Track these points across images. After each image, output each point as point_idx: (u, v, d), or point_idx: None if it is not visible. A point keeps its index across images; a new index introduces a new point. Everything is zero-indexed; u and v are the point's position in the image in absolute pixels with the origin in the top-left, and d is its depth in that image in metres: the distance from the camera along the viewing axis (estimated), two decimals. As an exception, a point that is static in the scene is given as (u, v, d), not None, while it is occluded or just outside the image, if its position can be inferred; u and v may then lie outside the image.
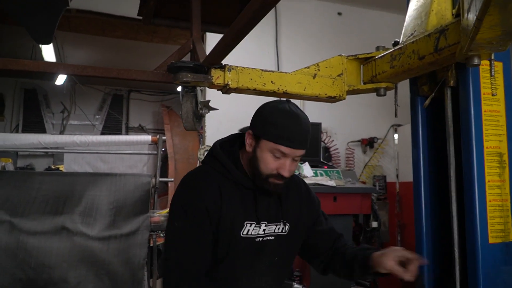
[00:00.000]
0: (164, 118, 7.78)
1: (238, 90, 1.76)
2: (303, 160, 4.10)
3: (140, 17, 2.34)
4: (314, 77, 1.86)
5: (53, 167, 6.87)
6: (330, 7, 4.99)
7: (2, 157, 6.34)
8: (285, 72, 1.82)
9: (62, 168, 6.11)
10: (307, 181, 3.76)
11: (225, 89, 1.75)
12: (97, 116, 8.07)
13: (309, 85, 1.84)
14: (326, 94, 1.87)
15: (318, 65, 1.88)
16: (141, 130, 8.16)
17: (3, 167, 5.00)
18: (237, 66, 1.74)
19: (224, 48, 1.53)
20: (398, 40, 1.85)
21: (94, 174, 3.42)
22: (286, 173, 1.40)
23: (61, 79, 6.87)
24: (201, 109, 1.93)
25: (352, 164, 4.73)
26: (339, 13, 5.08)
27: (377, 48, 1.90)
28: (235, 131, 4.48)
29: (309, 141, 1.45)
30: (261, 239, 1.46)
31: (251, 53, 4.37)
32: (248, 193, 1.47)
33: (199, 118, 1.98)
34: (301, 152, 1.41)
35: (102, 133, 7.79)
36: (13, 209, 3.02)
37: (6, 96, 7.55)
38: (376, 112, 4.81)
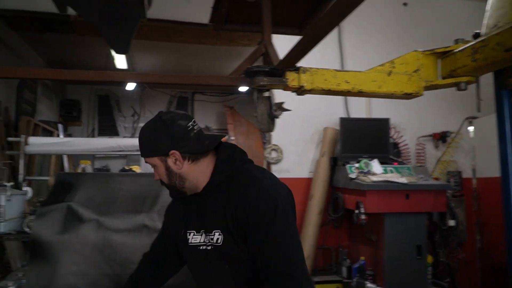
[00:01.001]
0: (228, 118, 7.94)
1: (312, 91, 1.78)
2: (371, 157, 4.03)
3: (211, 23, 2.42)
4: (389, 75, 1.83)
5: (126, 168, 7.25)
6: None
7: (82, 159, 6.83)
8: (359, 71, 1.81)
9: (135, 168, 6.44)
10: (375, 178, 3.73)
11: (300, 91, 1.78)
12: (165, 118, 8.39)
13: (384, 83, 1.82)
14: (402, 91, 1.84)
15: (393, 62, 1.85)
16: (206, 130, 8.41)
17: (83, 169, 5.35)
18: (311, 68, 1.75)
19: (301, 50, 1.55)
20: (478, 31, 1.77)
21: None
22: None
23: (132, 85, 7.23)
24: (275, 111, 1.97)
25: (423, 160, 4.56)
26: (405, 4, 4.90)
27: (456, 41, 1.84)
28: (300, 129, 4.50)
29: (142, 148, 1.49)
30: (201, 248, 1.50)
31: (312, 51, 4.34)
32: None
33: (273, 120, 2.02)
34: (147, 159, 1.49)
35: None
36: (98, 208, 3.24)
37: (82, 102, 8.10)
38: (447, 105, 4.59)
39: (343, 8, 1.13)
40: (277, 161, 4.39)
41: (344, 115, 4.50)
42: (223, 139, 1.55)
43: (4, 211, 3.00)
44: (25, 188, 3.31)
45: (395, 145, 4.45)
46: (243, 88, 8.41)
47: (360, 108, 4.58)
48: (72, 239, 2.96)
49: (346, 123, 4.24)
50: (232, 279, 1.44)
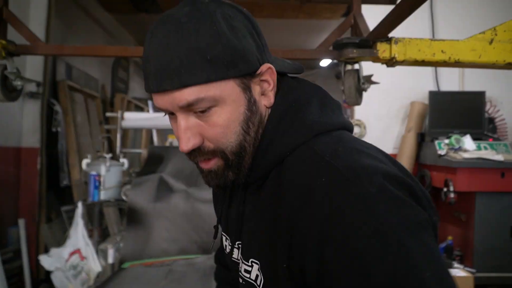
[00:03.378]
0: (308, 93, 7.89)
1: (405, 63, 1.71)
2: (463, 133, 3.79)
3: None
4: (490, 43, 1.70)
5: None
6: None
7: (169, 134, 7.23)
8: (457, 40, 1.70)
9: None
10: (467, 155, 3.51)
11: (391, 62, 1.72)
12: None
13: (485, 52, 1.69)
14: (505, 61, 1.70)
15: (495, 29, 1.71)
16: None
17: (170, 143, 5.69)
18: (403, 38, 1.69)
19: (394, 20, 1.50)
20: None
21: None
22: (180, 145, 0.73)
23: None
24: (363, 84, 1.93)
25: (524, 136, 4.19)
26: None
27: None
28: (385, 103, 4.35)
29: (176, 74, 0.66)
30: (239, 273, 0.82)
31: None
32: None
33: (360, 93, 1.99)
34: (175, 94, 0.68)
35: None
36: (187, 180, 3.43)
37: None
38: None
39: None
40: (360, 136, 4.29)
41: (433, 89, 4.25)
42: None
43: (103, 180, 3.29)
44: (122, 160, 3.59)
45: (491, 120, 4.13)
46: (325, 62, 8.25)
47: (452, 81, 4.30)
48: (164, 207, 3.19)
49: (436, 97, 4.01)
50: None
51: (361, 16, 1.94)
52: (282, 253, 0.67)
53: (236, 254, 0.84)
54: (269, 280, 0.72)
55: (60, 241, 3.61)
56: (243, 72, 0.70)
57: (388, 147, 4.31)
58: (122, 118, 3.77)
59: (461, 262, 3.56)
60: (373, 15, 2.15)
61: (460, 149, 3.64)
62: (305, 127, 0.72)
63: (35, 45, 1.90)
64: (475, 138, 3.78)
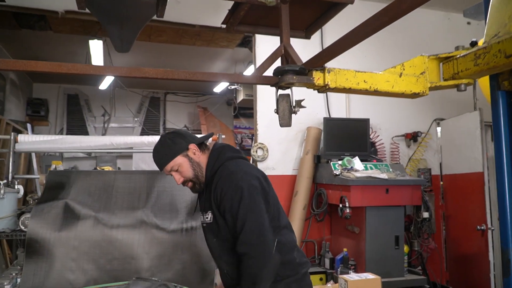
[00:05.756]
0: (201, 118, 8.03)
1: (335, 90, 1.96)
2: (352, 155, 4.28)
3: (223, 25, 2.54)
4: (400, 76, 2.05)
5: (98, 168, 7.14)
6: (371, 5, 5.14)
7: (53, 160, 6.67)
8: (375, 72, 2.01)
9: (107, 169, 6.38)
10: (359, 174, 3.98)
11: (323, 89, 1.95)
12: (136, 119, 8.36)
13: (396, 83, 2.03)
14: (411, 91, 2.06)
15: (403, 64, 2.07)
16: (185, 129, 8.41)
17: (54, 169, 5.28)
18: (334, 68, 1.93)
19: (331, 53, 1.73)
20: (475, 39, 2.02)
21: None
22: (178, 183, 2.06)
23: (106, 84, 7.15)
24: (294, 107, 2.13)
25: (397, 158, 4.88)
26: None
27: (457, 48, 2.09)
28: (285, 128, 4.66)
29: (162, 157, 2.00)
30: (204, 225, 2.08)
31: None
32: None
33: (291, 116, 2.18)
34: (170, 165, 1.99)
35: (142, 135, 8.07)
36: (95, 205, 3.24)
37: (50, 101, 7.88)
38: (418, 107, 4.95)
39: (376, 25, 1.31)
40: (263, 159, 4.56)
41: (325, 115, 4.74)
42: (213, 138, 2.43)
43: (-3, 210, 2.97)
44: (17, 186, 3.27)
45: (372, 144, 4.74)
46: (219, 89, 8.42)
47: (339, 109, 4.84)
48: (70, 236, 2.97)
49: (330, 122, 4.48)
50: (220, 247, 2.01)
51: (290, 46, 2.15)
52: (215, 203, 1.94)
53: (202, 218, 2.07)
54: (213, 218, 1.97)
55: None
56: (179, 153, 1.99)
57: (288, 168, 4.65)
58: (16, 141, 3.45)
59: (355, 270, 3.96)
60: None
61: (352, 169, 4.10)
62: (222, 159, 2.00)
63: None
64: (362, 160, 4.30)
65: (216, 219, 1.95)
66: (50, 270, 2.93)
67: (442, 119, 4.92)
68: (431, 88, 2.12)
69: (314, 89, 2.02)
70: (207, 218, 2.01)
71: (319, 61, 1.84)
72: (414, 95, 2.08)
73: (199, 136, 2.14)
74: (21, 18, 4.92)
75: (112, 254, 3.07)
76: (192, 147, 2.00)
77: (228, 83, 7.46)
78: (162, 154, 1.98)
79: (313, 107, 4.69)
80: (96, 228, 3.10)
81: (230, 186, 1.87)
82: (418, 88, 2.07)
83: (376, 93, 2.01)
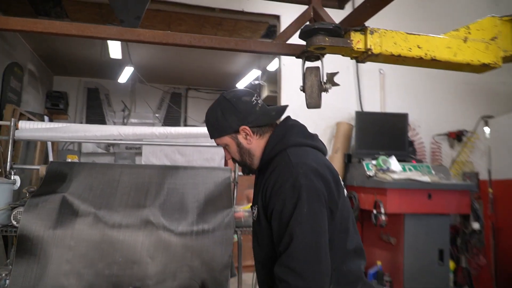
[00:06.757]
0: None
1: (380, 57, 1.50)
2: (388, 154, 3.78)
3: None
4: (465, 41, 1.57)
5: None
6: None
7: (69, 154, 6.43)
8: (433, 35, 1.54)
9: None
10: (396, 176, 3.46)
11: (364, 56, 1.50)
12: (157, 115, 8.08)
13: (460, 50, 1.56)
14: (479, 61, 1.58)
15: (468, 27, 1.59)
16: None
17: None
18: (379, 29, 1.48)
19: (375, 5, 1.27)
20: None
21: (174, 167, 3.24)
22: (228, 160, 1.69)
23: (124, 77, 6.88)
24: (325, 83, 1.68)
25: (439, 159, 4.34)
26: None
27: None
28: (312, 124, 4.24)
29: (211, 129, 1.57)
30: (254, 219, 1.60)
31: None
32: None
33: (321, 94, 1.74)
34: (218, 140, 1.58)
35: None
36: (96, 201, 2.91)
37: (70, 95, 7.69)
38: (462, 102, 4.41)
39: None
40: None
41: (357, 109, 4.25)
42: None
43: (-13, 202, 2.65)
44: (14, 177, 2.96)
45: (410, 142, 4.22)
46: (242, 85, 8.01)
47: (373, 103, 4.35)
48: (65, 234, 2.63)
49: (362, 117, 3.99)
50: (260, 251, 1.56)
51: (321, 7, 1.71)
52: (262, 198, 1.48)
53: (252, 209, 1.61)
54: (257, 216, 1.53)
55: None
56: (227, 133, 1.54)
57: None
58: (17, 127, 3.14)
59: (391, 287, 3.45)
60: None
61: (388, 170, 3.60)
62: (285, 143, 1.49)
63: None
64: (399, 160, 3.79)
65: (260, 219, 1.49)
66: (42, 273, 2.61)
67: (490, 117, 4.36)
68: (505, 59, 1.62)
69: (352, 58, 1.56)
70: (254, 213, 1.57)
71: (361, 15, 1.38)
72: (483, 67, 1.60)
73: (270, 109, 1.59)
74: (37, 3, 4.75)
75: (112, 257, 2.72)
76: (244, 130, 1.50)
77: (251, 79, 7.08)
78: (210, 126, 1.56)
79: (344, 100, 4.21)
80: (96, 227, 2.75)
81: (285, 182, 1.35)
82: (489, 57, 1.59)
83: (434, 63, 1.54)
